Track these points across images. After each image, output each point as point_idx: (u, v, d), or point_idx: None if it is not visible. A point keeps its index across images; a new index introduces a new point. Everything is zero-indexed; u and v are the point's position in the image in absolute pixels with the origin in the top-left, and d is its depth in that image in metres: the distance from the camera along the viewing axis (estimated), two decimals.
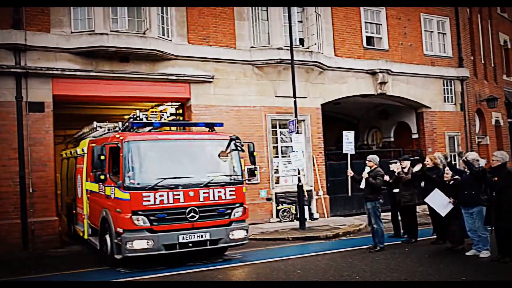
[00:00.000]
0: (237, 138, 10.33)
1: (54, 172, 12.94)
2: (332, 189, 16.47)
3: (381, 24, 18.41)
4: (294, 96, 13.83)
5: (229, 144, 10.07)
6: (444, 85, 19.85)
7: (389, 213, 12.44)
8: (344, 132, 12.16)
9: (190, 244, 9.25)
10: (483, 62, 23.34)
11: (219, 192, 9.60)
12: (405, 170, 11.54)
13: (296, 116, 13.86)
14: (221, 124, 10.74)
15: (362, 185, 10.67)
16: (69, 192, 13.74)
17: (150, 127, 10.22)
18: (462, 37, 20.45)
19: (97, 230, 10.59)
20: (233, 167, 10.15)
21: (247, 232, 10.10)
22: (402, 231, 12.08)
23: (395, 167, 11.73)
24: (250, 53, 15.27)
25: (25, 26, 12.26)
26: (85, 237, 11.60)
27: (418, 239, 11.43)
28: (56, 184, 13.89)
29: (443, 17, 20.10)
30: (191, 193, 9.28)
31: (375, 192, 10.57)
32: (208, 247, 9.54)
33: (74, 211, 13.04)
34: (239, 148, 10.23)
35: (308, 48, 15.78)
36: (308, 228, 13.67)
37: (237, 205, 9.87)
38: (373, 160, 10.80)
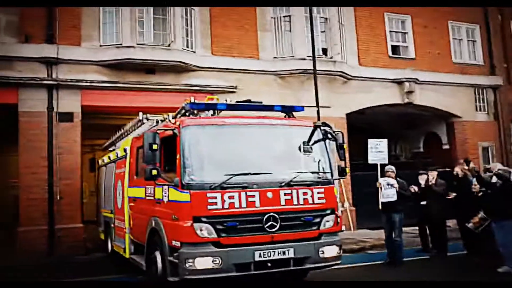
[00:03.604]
0: (325, 124, 8.59)
1: (80, 180, 14.20)
2: (358, 201, 16.77)
3: (406, 33, 19.25)
4: (317, 106, 14.84)
5: (313, 132, 8.25)
6: (475, 94, 20.34)
7: (417, 227, 12.62)
8: (371, 140, 12.27)
9: (269, 264, 7.45)
10: None
11: (304, 194, 7.84)
12: (433, 181, 11.76)
13: None
14: (301, 108, 9.15)
15: (386, 198, 10.75)
16: (106, 203, 12.87)
17: (213, 111, 8.73)
18: (493, 44, 20.99)
19: (142, 246, 9.06)
20: (320, 162, 8.38)
21: (340, 249, 8.13)
22: (430, 245, 12.16)
23: (424, 178, 11.92)
24: (273, 64, 16.38)
25: (57, 41, 13.80)
26: (126, 255, 10.17)
27: (448, 254, 11.54)
28: (82, 192, 15.01)
29: (473, 24, 20.77)
30: (269, 195, 7.58)
31: (403, 203, 10.84)
32: (292, 268, 7.70)
33: (112, 225, 11.84)
34: (329, 137, 8.48)
35: (331, 58, 16.83)
36: None
37: (328, 211, 8.04)
38: (394, 171, 11.00)
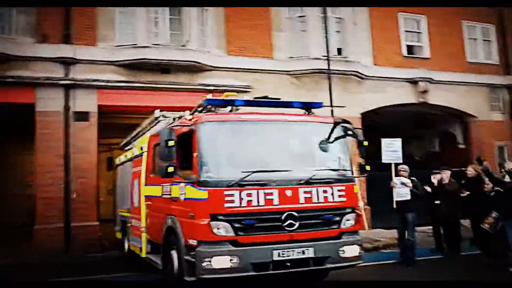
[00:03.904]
0: (346, 121, 8.34)
1: (96, 179, 14.27)
2: (373, 200, 16.61)
3: (421, 33, 19.14)
4: (331, 105, 14.78)
5: (333, 129, 8.05)
6: (490, 94, 20.16)
7: (431, 226, 12.57)
8: (384, 140, 12.16)
9: (288, 264, 7.21)
10: None
11: (324, 192, 7.60)
12: (446, 181, 11.75)
13: None
14: (320, 104, 8.93)
15: (400, 197, 10.73)
16: (123, 202, 12.59)
17: (231, 107, 8.49)
18: (508, 43, 20.78)
19: (158, 245, 8.89)
20: (340, 159, 8.16)
21: (362, 249, 7.89)
22: (444, 244, 12.05)
23: (437, 178, 11.89)
24: (287, 63, 16.35)
25: (74, 41, 13.90)
26: (143, 255, 9.91)
27: (461, 253, 11.48)
28: (99, 191, 14.95)
29: (488, 24, 20.57)
30: (288, 193, 7.36)
31: (417, 202, 10.81)
32: (312, 268, 7.44)
33: (128, 224, 11.63)
34: (350, 133, 8.21)
35: (345, 57, 16.78)
36: None
37: (348, 210, 7.80)
38: (407, 170, 11.00)
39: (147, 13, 14.30)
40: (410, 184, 10.65)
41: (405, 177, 10.87)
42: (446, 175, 11.88)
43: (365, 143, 8.33)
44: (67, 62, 13.87)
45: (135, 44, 14.31)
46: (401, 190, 10.71)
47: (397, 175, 11.20)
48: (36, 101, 13.67)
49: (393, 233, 14.79)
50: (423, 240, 13.08)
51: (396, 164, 11.71)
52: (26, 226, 13.83)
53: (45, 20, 13.86)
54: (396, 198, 10.85)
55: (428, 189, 11.64)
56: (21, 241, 13.91)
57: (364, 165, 8.42)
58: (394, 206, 11.06)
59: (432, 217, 12.29)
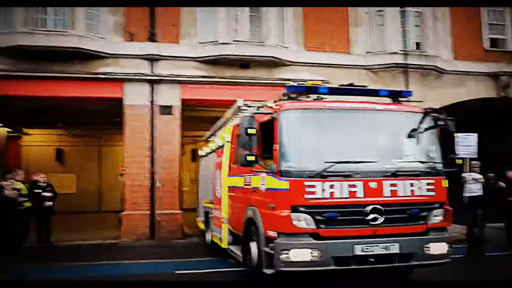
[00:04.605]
0: (436, 110, 8.00)
1: (179, 169, 14.89)
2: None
3: (504, 25, 18.42)
4: (408, 100, 14.62)
5: (423, 119, 7.73)
6: None
7: (502, 223, 12.27)
8: (460, 135, 12.13)
9: (371, 259, 6.92)
10: None
11: (411, 185, 7.19)
12: None
13: None
14: (409, 93, 8.41)
15: (471, 192, 10.66)
16: (205, 193, 12.73)
17: (315, 95, 7.98)
18: None
19: (239, 237, 8.72)
20: (429, 151, 7.71)
21: (450, 246, 7.46)
22: None
23: None
24: (364, 58, 16.30)
25: (158, 39, 14.60)
26: (224, 245, 9.76)
27: None
28: (182, 181, 15.65)
29: None
30: (373, 185, 7.01)
31: (490, 199, 10.76)
32: (397, 264, 7.13)
33: (211, 215, 11.70)
34: (441, 124, 7.81)
35: (424, 51, 16.52)
36: None
37: (436, 205, 7.37)
38: (479, 166, 10.89)
39: (227, 10, 14.70)
40: (482, 180, 10.57)
41: (478, 173, 10.75)
42: None
43: (456, 134, 7.96)
44: (153, 59, 14.59)
45: (216, 41, 14.78)
46: (473, 185, 10.61)
47: (470, 170, 11.06)
48: (124, 96, 14.48)
49: (465, 228, 14.73)
50: (495, 237, 12.84)
51: (470, 159, 11.52)
52: (121, 212, 14.82)
53: (132, 19, 14.62)
54: (467, 193, 10.76)
55: (503, 184, 11.48)
56: (115, 225, 14.92)
57: (454, 158, 7.90)
58: (464, 201, 10.91)
59: (505, 214, 12.03)
